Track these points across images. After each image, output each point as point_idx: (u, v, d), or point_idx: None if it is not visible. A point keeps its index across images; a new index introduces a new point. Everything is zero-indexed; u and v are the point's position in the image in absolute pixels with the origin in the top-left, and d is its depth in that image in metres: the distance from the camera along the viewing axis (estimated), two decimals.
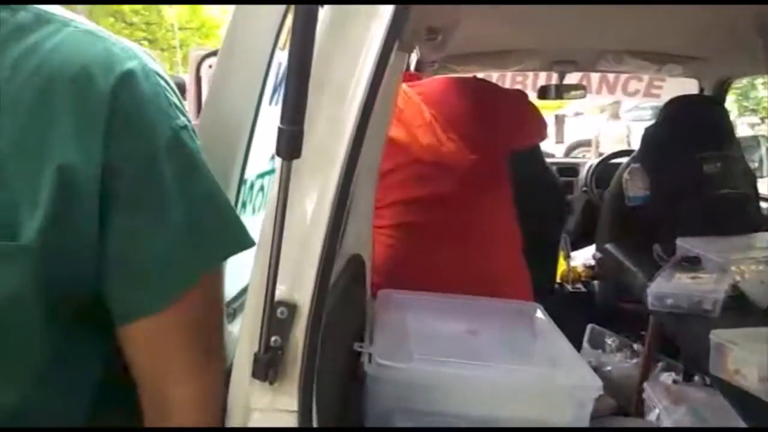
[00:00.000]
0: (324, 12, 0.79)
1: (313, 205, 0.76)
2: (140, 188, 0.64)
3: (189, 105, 3.36)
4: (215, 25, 16.16)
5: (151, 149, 0.64)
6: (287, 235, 0.70)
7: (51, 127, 0.61)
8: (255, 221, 0.92)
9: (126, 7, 16.83)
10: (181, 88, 4.62)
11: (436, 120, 1.64)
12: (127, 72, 0.63)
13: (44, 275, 0.60)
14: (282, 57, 0.99)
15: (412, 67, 2.32)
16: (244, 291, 0.91)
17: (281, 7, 0.95)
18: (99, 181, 0.61)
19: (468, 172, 1.63)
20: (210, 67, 3.22)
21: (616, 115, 8.11)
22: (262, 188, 1.10)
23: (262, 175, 1.10)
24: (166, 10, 15.24)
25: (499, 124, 1.69)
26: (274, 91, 1.04)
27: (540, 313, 1.43)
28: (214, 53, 3.30)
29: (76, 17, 0.68)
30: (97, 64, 0.62)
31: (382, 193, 1.60)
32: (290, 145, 0.66)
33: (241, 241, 0.73)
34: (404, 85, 1.68)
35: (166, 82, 0.68)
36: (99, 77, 0.62)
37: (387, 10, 0.77)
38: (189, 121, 0.69)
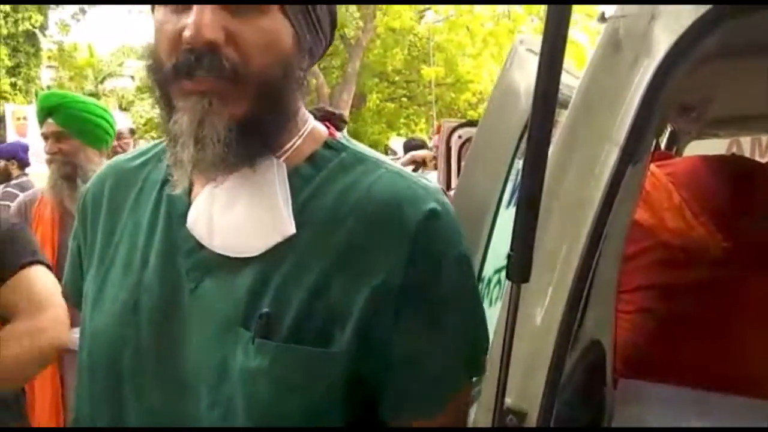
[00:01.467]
0: (558, 131, 0.84)
1: (541, 320, 0.80)
2: (426, 307, 0.75)
3: (439, 173, 3.58)
4: (469, 80, 16.79)
5: (439, 275, 0.76)
6: (516, 347, 0.75)
7: (366, 252, 0.75)
8: (492, 313, 0.98)
9: (389, 68, 18.25)
10: (419, 148, 4.85)
11: (686, 203, 1.56)
12: (431, 211, 0.76)
13: (345, 377, 0.73)
14: (520, 164, 1.05)
15: (663, 143, 2.22)
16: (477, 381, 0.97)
17: (523, 120, 1.02)
18: (396, 299, 0.74)
19: (721, 258, 1.52)
20: (459, 137, 3.42)
21: None
22: (499, 281, 1.16)
23: (498, 270, 1.16)
24: (425, 68, 16.22)
25: (760, 206, 1.56)
26: (512, 194, 1.10)
27: None
28: (463, 125, 3.50)
29: (384, 159, 0.83)
30: (406, 203, 0.76)
31: (626, 277, 1.56)
32: (520, 270, 0.71)
33: (483, 366, 0.81)
34: (652, 166, 1.63)
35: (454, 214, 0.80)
36: (407, 214, 0.75)
37: (622, 132, 0.79)
38: (468, 248, 0.80)
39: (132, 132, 3.50)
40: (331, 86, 16.49)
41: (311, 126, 0.84)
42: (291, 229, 0.75)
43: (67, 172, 2.14)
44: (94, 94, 19.45)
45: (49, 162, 2.18)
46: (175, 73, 0.71)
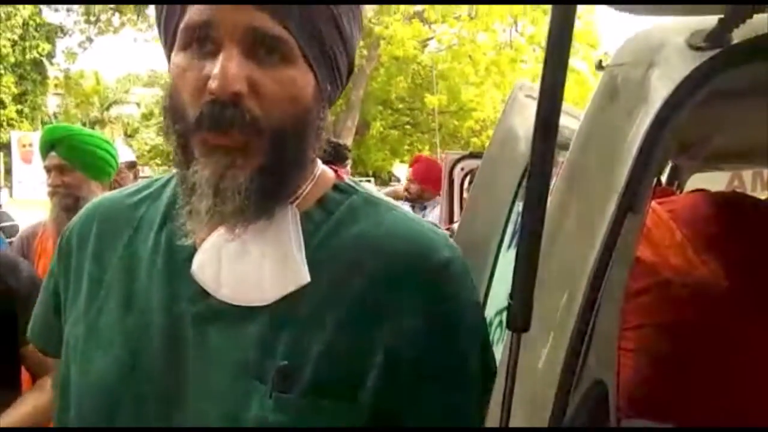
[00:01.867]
0: (557, 173, 0.84)
1: (543, 365, 0.79)
2: (443, 351, 0.76)
3: (442, 205, 3.59)
4: (472, 108, 16.91)
5: (453, 321, 0.77)
6: (517, 393, 0.75)
7: (383, 298, 0.74)
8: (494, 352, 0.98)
9: (392, 96, 18.40)
10: None
11: (688, 240, 1.56)
12: (448, 259, 0.77)
13: (368, 424, 0.72)
14: (520, 206, 1.06)
15: (665, 177, 2.23)
16: None
17: (522, 164, 1.03)
18: (414, 344, 0.74)
19: (724, 298, 1.51)
20: (462, 169, 3.44)
21: None
22: (500, 323, 1.16)
23: (500, 312, 1.16)
24: (428, 96, 16.35)
25: (761, 245, 1.56)
26: (512, 236, 1.11)
27: None
28: (465, 157, 3.52)
29: (393, 202, 0.84)
30: (422, 249, 0.77)
31: (628, 315, 1.55)
32: (520, 320, 0.71)
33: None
34: (653, 203, 1.63)
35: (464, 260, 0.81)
36: (424, 260, 0.76)
37: (620, 181, 0.79)
38: (478, 294, 0.81)
39: (131, 165, 3.50)
40: (334, 114, 16.61)
41: (320, 170, 0.84)
42: (306, 277, 0.74)
43: (69, 204, 2.15)
44: (100, 121, 19.63)
45: (51, 195, 2.19)
46: (198, 125, 0.70)
